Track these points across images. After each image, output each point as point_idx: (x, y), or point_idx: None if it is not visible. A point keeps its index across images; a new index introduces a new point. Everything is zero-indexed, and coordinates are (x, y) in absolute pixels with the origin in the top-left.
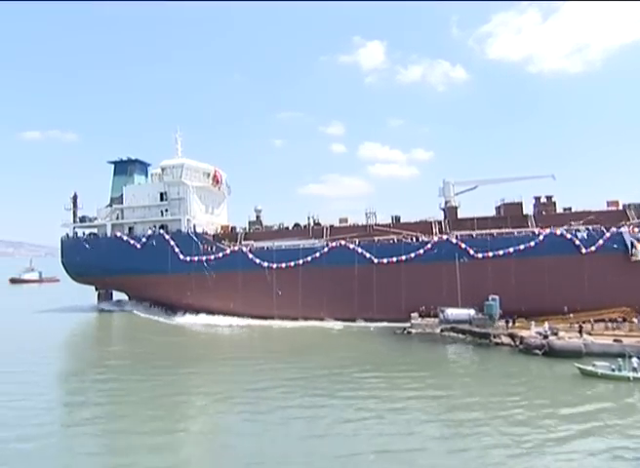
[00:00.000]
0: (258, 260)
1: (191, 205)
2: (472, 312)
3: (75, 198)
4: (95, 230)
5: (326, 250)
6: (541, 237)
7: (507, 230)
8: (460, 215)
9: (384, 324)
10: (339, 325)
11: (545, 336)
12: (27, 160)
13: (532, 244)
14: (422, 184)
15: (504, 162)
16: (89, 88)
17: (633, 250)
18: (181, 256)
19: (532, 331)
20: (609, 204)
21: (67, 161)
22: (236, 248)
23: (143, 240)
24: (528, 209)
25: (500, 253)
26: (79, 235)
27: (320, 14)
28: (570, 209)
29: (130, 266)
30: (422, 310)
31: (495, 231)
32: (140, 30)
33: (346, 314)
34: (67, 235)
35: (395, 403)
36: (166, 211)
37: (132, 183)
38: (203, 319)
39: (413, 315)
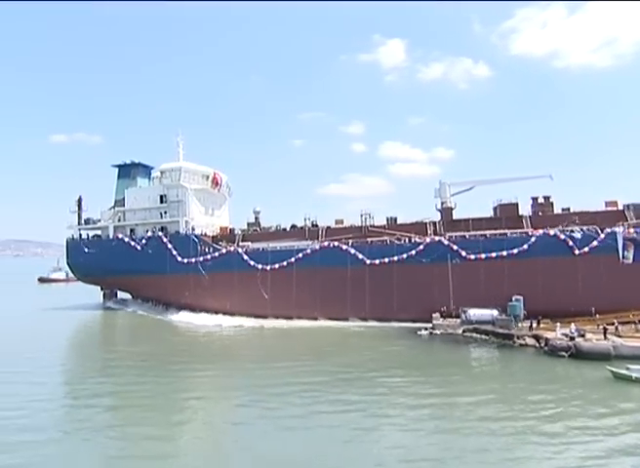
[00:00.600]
0: (252, 262)
1: (190, 207)
2: (495, 313)
3: (80, 201)
4: (99, 232)
5: (319, 251)
6: (534, 238)
7: (501, 231)
8: (457, 216)
9: (376, 323)
10: (356, 325)
11: (572, 338)
12: (55, 162)
13: (524, 246)
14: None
15: (527, 160)
16: (113, 91)
17: (624, 252)
18: (179, 258)
19: (557, 333)
20: (607, 204)
21: (93, 162)
22: (231, 249)
23: (143, 241)
24: (525, 209)
25: (493, 254)
26: (83, 237)
27: (339, 12)
28: (568, 209)
29: (130, 267)
30: (444, 311)
31: (488, 232)
32: (159, 35)
33: (339, 314)
34: (72, 237)
35: (423, 409)
36: (165, 213)
37: (135, 186)
38: (204, 318)
39: (434, 315)
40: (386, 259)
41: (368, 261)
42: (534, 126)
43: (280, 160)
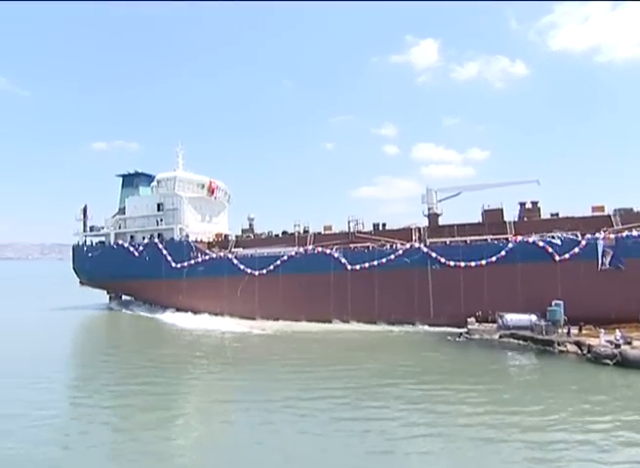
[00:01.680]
0: (242, 266)
1: (184, 214)
2: (534, 318)
3: (85, 209)
4: (103, 238)
5: (304, 256)
6: (511, 245)
7: (481, 237)
8: (445, 222)
9: (360, 326)
10: (389, 328)
11: (617, 345)
12: (95, 168)
13: (502, 252)
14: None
15: (567, 161)
16: (148, 99)
17: (604, 258)
18: (173, 263)
19: (601, 340)
20: (594, 209)
21: (130, 168)
22: (222, 254)
23: (141, 248)
24: (511, 215)
25: (472, 263)
26: (90, 243)
27: (370, 14)
28: (557, 214)
29: (129, 272)
30: (479, 315)
31: (469, 238)
32: (194, 47)
33: (323, 316)
34: (78, 243)
35: (463, 418)
36: (161, 220)
37: (137, 195)
38: (197, 319)
39: (469, 320)
40: (367, 264)
41: (349, 267)
42: (574, 124)
43: (312, 164)
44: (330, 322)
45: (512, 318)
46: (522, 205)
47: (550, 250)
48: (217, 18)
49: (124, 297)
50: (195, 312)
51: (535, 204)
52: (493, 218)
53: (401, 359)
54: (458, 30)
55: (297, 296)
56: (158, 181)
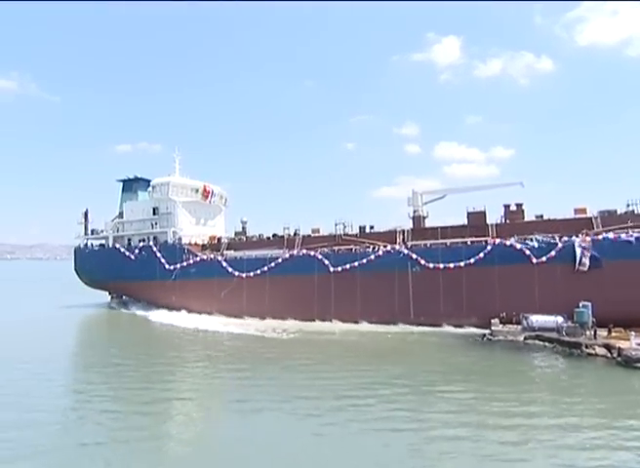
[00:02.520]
0: (230, 269)
1: (178, 218)
2: (560, 319)
3: (86, 213)
4: (103, 241)
5: (290, 259)
6: (489, 247)
7: (461, 240)
8: (430, 224)
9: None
10: (409, 329)
11: None
12: (120, 169)
13: (481, 254)
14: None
15: (596, 159)
16: (172, 101)
17: (581, 260)
18: (167, 265)
19: (632, 343)
20: (576, 211)
21: (153, 169)
22: (212, 257)
23: (136, 251)
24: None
25: (451, 265)
26: (88, 246)
27: (391, 13)
28: (542, 216)
29: (126, 273)
30: (503, 316)
31: (449, 241)
32: (215, 51)
33: (307, 316)
34: (80, 246)
35: (491, 421)
36: (156, 224)
37: (136, 199)
38: (189, 318)
39: (493, 321)
40: (348, 266)
41: (332, 269)
42: (603, 121)
43: (332, 164)
44: (314, 321)
45: (537, 319)
46: (507, 207)
47: (527, 252)
48: (238, 20)
49: (124, 297)
50: (188, 311)
51: (519, 206)
52: (476, 221)
53: (424, 361)
54: (481, 27)
55: (282, 297)
56: (153, 186)
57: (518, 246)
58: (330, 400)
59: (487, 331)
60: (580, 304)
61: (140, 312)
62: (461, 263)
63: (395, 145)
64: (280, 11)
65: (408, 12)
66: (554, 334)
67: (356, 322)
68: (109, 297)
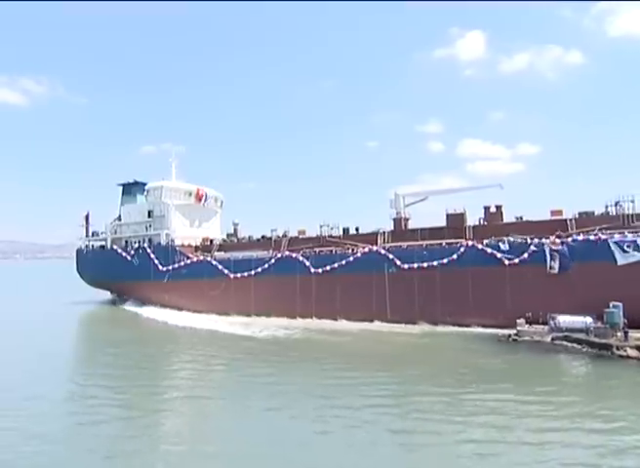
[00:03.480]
0: (219, 269)
1: (171, 220)
2: (589, 320)
3: (87, 217)
4: (103, 243)
5: (273, 260)
6: (462, 249)
7: (437, 241)
8: (413, 226)
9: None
10: (431, 328)
11: None
12: (145, 170)
13: (454, 256)
14: (529, 181)
15: (626, 153)
16: (195, 103)
17: (551, 262)
18: (160, 266)
19: None
20: (553, 213)
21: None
22: (202, 258)
23: (132, 252)
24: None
25: (425, 264)
26: (89, 248)
27: (412, 8)
28: (521, 218)
29: (122, 274)
30: (529, 317)
31: (424, 243)
32: (236, 51)
33: (289, 314)
34: (81, 247)
35: (520, 425)
36: (150, 226)
37: (134, 202)
38: (181, 315)
39: (519, 321)
40: (329, 267)
41: (312, 270)
42: (636, 114)
43: (354, 162)
44: (295, 318)
45: (565, 320)
46: (487, 209)
47: (499, 254)
48: (258, 20)
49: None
50: (180, 309)
51: (498, 208)
52: (454, 223)
53: (449, 363)
54: (506, 20)
55: (267, 296)
56: (148, 190)
57: (489, 249)
58: (354, 399)
59: (512, 332)
60: (611, 305)
61: (137, 309)
62: (435, 264)
63: (418, 143)
64: (300, 10)
65: (430, 7)
66: (583, 335)
67: (335, 319)
68: (111, 295)
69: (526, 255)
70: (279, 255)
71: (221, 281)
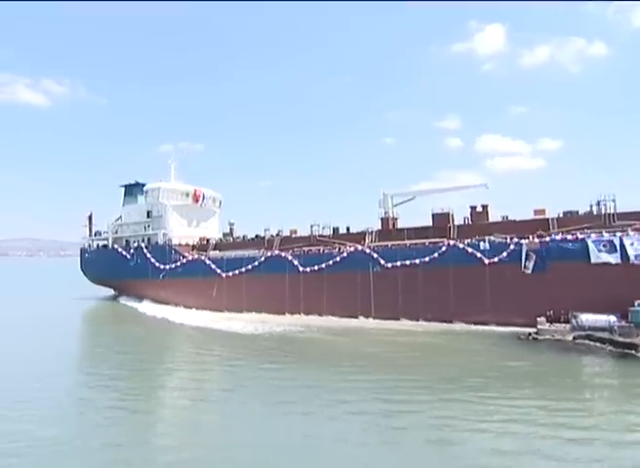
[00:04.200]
0: (212, 268)
1: (168, 221)
2: (613, 319)
3: (90, 217)
4: (105, 242)
5: (263, 259)
6: (444, 248)
7: (420, 241)
8: (401, 226)
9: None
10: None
11: None
12: (162, 169)
13: (435, 255)
14: (550, 177)
15: None
16: (212, 103)
17: (527, 262)
18: (157, 264)
19: None
20: (536, 212)
21: (195, 168)
22: (197, 257)
23: (131, 251)
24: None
25: (407, 262)
26: (92, 247)
27: (428, 2)
28: (506, 217)
29: (123, 272)
30: (550, 315)
31: (408, 242)
32: (251, 48)
33: (278, 311)
34: (84, 246)
35: (543, 429)
36: (149, 226)
37: (135, 203)
38: (175, 311)
39: (539, 320)
40: (316, 267)
41: (301, 269)
42: None
43: (370, 159)
44: (284, 314)
45: (588, 318)
46: (473, 208)
47: (479, 254)
48: (275, 18)
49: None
50: (175, 306)
51: (484, 207)
52: (440, 222)
53: (468, 360)
54: (527, 13)
55: (257, 294)
56: (146, 191)
57: (470, 248)
58: (375, 403)
59: (533, 330)
60: (636, 303)
61: (136, 305)
62: (417, 263)
63: (435, 139)
64: (316, 7)
65: (447, 3)
66: (606, 334)
67: (320, 315)
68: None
69: (505, 255)
70: (269, 255)
71: (214, 279)
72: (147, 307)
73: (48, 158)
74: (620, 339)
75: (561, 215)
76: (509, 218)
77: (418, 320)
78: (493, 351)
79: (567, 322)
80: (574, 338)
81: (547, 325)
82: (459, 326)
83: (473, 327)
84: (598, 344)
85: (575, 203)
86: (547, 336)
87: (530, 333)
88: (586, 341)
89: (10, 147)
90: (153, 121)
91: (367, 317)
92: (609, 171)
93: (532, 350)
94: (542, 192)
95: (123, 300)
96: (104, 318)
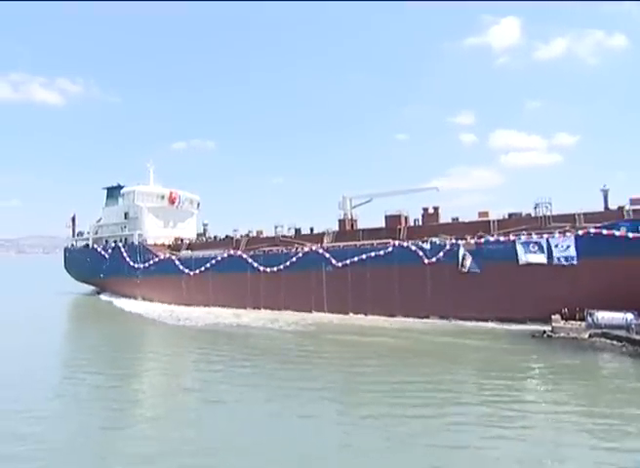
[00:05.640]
0: (181, 267)
1: (144, 222)
2: (630, 316)
3: (74, 218)
4: (87, 242)
5: (220, 258)
6: (390, 248)
7: (369, 241)
8: (359, 227)
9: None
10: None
11: None
12: (176, 166)
13: (381, 254)
14: (567, 172)
15: None
16: (222, 100)
17: (463, 262)
18: (132, 263)
19: None
20: (480, 215)
21: (207, 165)
22: (167, 256)
23: (109, 251)
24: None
25: (357, 263)
26: (75, 247)
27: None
28: (457, 219)
29: (102, 271)
30: (565, 312)
31: (359, 243)
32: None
33: (241, 306)
34: (68, 246)
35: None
36: (125, 227)
37: (116, 205)
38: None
39: (554, 317)
40: (275, 268)
41: (261, 268)
42: None
43: (383, 156)
44: (245, 308)
45: (604, 316)
46: (425, 210)
47: (420, 253)
48: (287, 16)
49: None
50: (150, 301)
51: (436, 209)
52: (392, 224)
53: (478, 359)
54: (543, 5)
55: (222, 291)
56: (123, 194)
57: (413, 247)
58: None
59: (547, 328)
60: None
61: (115, 300)
62: (365, 262)
63: (449, 135)
64: (329, 5)
65: None
66: (623, 332)
67: (279, 310)
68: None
69: (442, 255)
70: (226, 255)
71: (182, 277)
72: (123, 302)
73: (62, 157)
74: (638, 338)
75: (506, 217)
76: (459, 220)
77: (366, 314)
78: (508, 350)
79: (582, 319)
80: (589, 336)
81: (562, 322)
82: (472, 324)
83: (481, 324)
84: (615, 342)
85: (590, 199)
86: (562, 334)
87: (544, 331)
88: (602, 339)
89: (26, 147)
90: (166, 118)
91: (320, 311)
92: (627, 165)
93: (547, 349)
94: (559, 188)
95: (103, 296)
96: (82, 312)
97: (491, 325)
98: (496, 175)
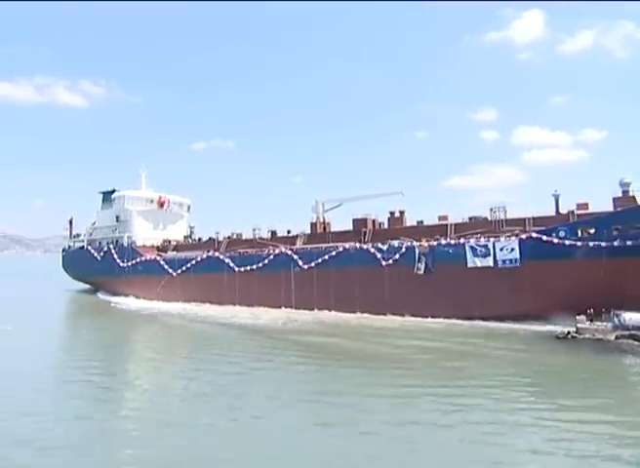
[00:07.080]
0: (166, 266)
1: (133, 224)
2: None
3: (71, 221)
4: (82, 243)
5: (199, 259)
6: (351, 251)
7: (332, 244)
8: (333, 229)
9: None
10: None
11: None
12: (196, 166)
13: (343, 256)
14: (593, 169)
15: None
16: (242, 100)
17: (418, 264)
18: (121, 263)
19: None
20: (440, 218)
21: (227, 165)
22: (153, 257)
23: (102, 253)
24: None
25: (321, 263)
26: (72, 248)
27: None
28: (422, 222)
29: (95, 270)
30: (590, 313)
31: (324, 245)
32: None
33: (219, 302)
34: (65, 247)
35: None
36: (116, 229)
37: (110, 208)
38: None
39: (578, 318)
40: (248, 267)
41: (236, 269)
42: None
43: (401, 152)
44: (223, 304)
45: (632, 317)
46: (391, 214)
47: (378, 255)
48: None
49: None
50: (137, 298)
51: (402, 213)
52: (359, 226)
53: (498, 361)
54: None
55: (201, 288)
56: (114, 199)
57: (372, 250)
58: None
59: (572, 329)
60: None
61: (108, 297)
62: (329, 263)
63: (470, 132)
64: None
65: None
66: None
67: (253, 306)
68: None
69: (397, 257)
70: (204, 256)
71: (165, 276)
72: (114, 299)
73: (84, 158)
74: None
75: (467, 221)
76: (424, 224)
77: (330, 311)
78: (532, 351)
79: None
80: (616, 338)
81: (587, 323)
82: (494, 324)
83: (504, 325)
84: None
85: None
86: (587, 336)
87: (569, 332)
88: (629, 341)
89: (50, 148)
90: (186, 119)
91: (288, 308)
92: None
93: (571, 350)
94: (585, 185)
95: (99, 294)
96: (78, 307)
97: (509, 325)
98: (518, 172)
